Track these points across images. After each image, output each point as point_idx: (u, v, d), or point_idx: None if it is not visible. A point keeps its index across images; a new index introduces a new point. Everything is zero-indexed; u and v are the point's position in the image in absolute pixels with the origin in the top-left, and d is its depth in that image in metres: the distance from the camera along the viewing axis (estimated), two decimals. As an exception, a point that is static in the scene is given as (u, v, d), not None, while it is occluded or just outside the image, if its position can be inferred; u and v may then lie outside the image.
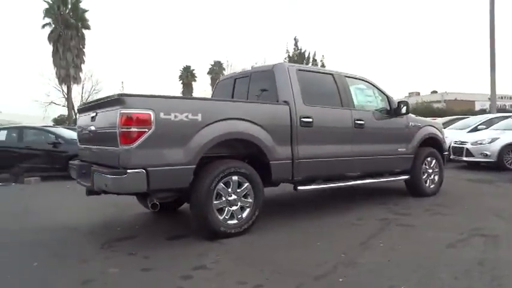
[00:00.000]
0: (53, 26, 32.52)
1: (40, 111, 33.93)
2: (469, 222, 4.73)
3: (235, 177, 4.31)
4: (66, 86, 33.12)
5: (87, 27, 33.97)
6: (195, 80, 53.23)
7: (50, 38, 32.46)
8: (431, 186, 6.57)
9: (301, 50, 32.21)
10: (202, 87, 45.10)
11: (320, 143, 5.06)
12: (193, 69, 53.07)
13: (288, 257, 3.61)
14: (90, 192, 4.50)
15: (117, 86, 45.91)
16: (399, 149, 6.04)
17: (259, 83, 5.28)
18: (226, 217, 4.26)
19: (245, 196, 4.42)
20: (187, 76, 52.74)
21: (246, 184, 4.40)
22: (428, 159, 6.52)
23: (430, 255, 3.56)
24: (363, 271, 3.23)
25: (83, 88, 34.65)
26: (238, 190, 4.34)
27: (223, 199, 4.25)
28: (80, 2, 33.54)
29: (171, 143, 3.92)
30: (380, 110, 5.97)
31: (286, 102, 4.83)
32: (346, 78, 5.66)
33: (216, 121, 4.17)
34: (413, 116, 6.61)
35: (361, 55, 76.99)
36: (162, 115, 3.86)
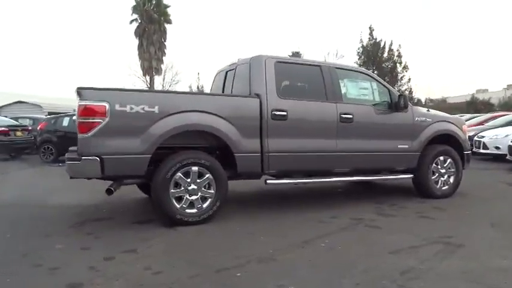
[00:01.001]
0: (139, 21, 35.13)
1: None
2: (448, 228, 4.30)
3: (195, 168, 4.44)
4: (149, 77, 35.62)
5: (169, 22, 36.08)
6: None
7: (136, 32, 35.11)
8: (444, 188, 6.00)
9: (376, 39, 30.85)
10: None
11: (296, 137, 4.94)
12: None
13: (216, 248, 3.66)
14: None
15: (195, 77, 47.93)
16: (400, 146, 5.62)
17: (241, 76, 5.30)
18: (184, 206, 4.41)
19: (207, 187, 4.53)
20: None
21: (208, 175, 4.50)
22: (441, 158, 5.96)
23: (361, 259, 3.34)
24: (267, 269, 3.17)
25: (163, 79, 36.96)
26: (198, 180, 4.46)
27: (182, 188, 4.41)
28: (163, -2, 35.70)
29: (126, 133, 4.17)
30: (378, 103, 5.61)
31: (257, 95, 4.81)
32: (338, 70, 5.42)
33: (173, 113, 4.33)
34: (422, 110, 6.08)
35: (436, 46, 70.67)
36: (117, 107, 4.13)
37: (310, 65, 5.35)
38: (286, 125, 4.86)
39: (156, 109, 4.26)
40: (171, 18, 36.14)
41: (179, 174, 4.38)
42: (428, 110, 6.12)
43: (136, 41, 35.37)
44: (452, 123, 6.18)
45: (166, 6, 35.81)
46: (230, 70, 5.66)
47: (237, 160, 4.64)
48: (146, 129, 4.22)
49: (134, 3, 35.17)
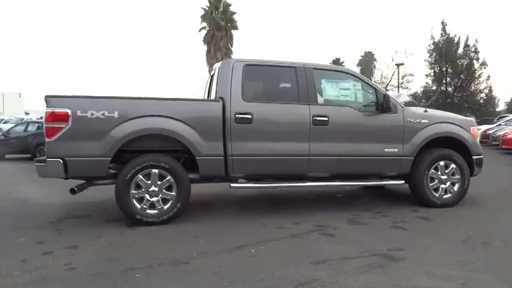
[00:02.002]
0: (207, 29, 36.63)
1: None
2: (407, 241, 3.94)
3: (155, 170, 4.59)
4: (216, 82, 36.87)
5: (235, 28, 37.11)
6: (344, 72, 52.35)
7: (204, 39, 36.64)
8: (446, 196, 5.45)
9: (449, 34, 28.73)
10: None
11: (262, 140, 4.86)
12: (343, 62, 52.19)
13: (144, 249, 3.77)
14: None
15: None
16: (387, 150, 5.22)
17: (216, 79, 5.35)
18: (145, 206, 4.58)
19: (168, 189, 4.66)
20: (337, 69, 52.24)
21: (168, 177, 4.62)
22: (441, 163, 5.42)
23: (271, 268, 3.21)
24: (168, 272, 3.19)
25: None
26: (159, 182, 4.61)
27: (143, 190, 4.58)
28: (230, 5, 36.85)
29: (88, 137, 4.46)
30: (361, 104, 5.29)
31: (221, 99, 4.83)
32: (316, 70, 5.21)
33: (132, 118, 4.53)
34: (417, 111, 5.58)
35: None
36: (79, 113, 4.43)
37: (284, 66, 5.21)
38: (251, 129, 4.81)
39: (115, 114, 4.50)
40: (237, 24, 37.18)
41: (140, 176, 4.56)
42: (425, 111, 5.60)
43: (204, 48, 37.00)
44: (456, 124, 5.58)
45: (233, 13, 36.89)
46: (213, 74, 5.74)
47: (199, 163, 4.70)
48: (106, 133, 4.47)
49: (203, 12, 36.79)
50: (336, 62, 52.89)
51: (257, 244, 3.85)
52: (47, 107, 4.43)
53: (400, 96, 38.95)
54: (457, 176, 5.48)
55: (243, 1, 44.83)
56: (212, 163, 4.75)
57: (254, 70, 5.05)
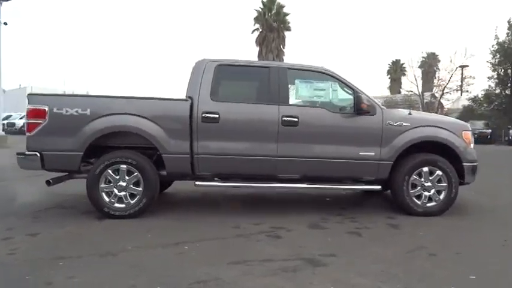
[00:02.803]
0: (260, 30, 37.02)
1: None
2: (347, 247, 3.80)
3: (123, 166, 4.81)
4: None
5: (288, 29, 37.17)
6: (404, 74, 50.18)
7: (257, 41, 37.12)
8: (429, 205, 5.11)
9: (515, 33, 26.49)
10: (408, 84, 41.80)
11: (229, 140, 4.90)
12: (403, 63, 50.08)
13: (85, 240, 3.99)
14: None
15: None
16: (362, 153, 5.01)
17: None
18: (113, 200, 4.82)
19: (136, 184, 4.86)
20: (396, 71, 50.29)
21: (136, 173, 4.83)
22: (425, 169, 5.09)
23: (183, 266, 3.27)
24: (89, 263, 3.35)
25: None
26: (127, 177, 4.83)
27: (112, 184, 4.83)
28: (283, 7, 36.95)
29: (62, 133, 4.78)
30: (336, 106, 5.13)
31: (190, 98, 4.94)
32: (290, 70, 5.14)
33: (103, 115, 4.79)
34: (399, 113, 5.27)
35: None
36: (55, 110, 4.78)
37: (257, 66, 5.21)
38: (218, 128, 4.87)
39: (88, 111, 4.79)
40: (290, 25, 37.16)
41: (109, 171, 4.81)
42: (410, 113, 5.29)
43: (256, 49, 37.44)
44: (444, 128, 5.21)
45: (286, 14, 36.97)
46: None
47: (165, 160, 4.86)
48: (79, 129, 4.76)
49: (256, 14, 37.25)
50: (396, 63, 50.92)
51: (196, 242, 3.91)
52: (28, 104, 4.83)
53: (458, 100, 36.59)
54: (444, 184, 5.12)
55: (298, 2, 44.59)
56: (178, 161, 4.87)
57: (226, 70, 5.10)
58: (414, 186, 5.12)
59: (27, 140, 4.85)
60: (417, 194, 5.11)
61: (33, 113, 4.81)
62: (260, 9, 37.18)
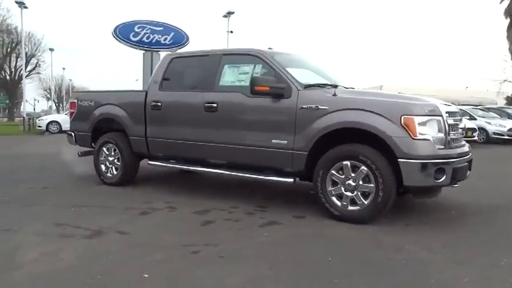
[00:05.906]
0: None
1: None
2: (233, 243, 3.72)
3: (110, 145, 6.13)
4: (518, 60, 30.08)
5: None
6: None
7: (506, 12, 30.36)
8: (350, 208, 4.11)
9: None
10: None
11: (167, 125, 5.44)
12: None
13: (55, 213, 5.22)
14: None
15: None
16: (274, 141, 4.50)
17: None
18: (106, 171, 6.21)
19: (118, 160, 6.09)
20: None
21: (117, 150, 6.06)
22: (346, 163, 4.11)
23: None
24: (29, 236, 4.55)
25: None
26: (113, 153, 6.12)
27: (104, 158, 6.21)
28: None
29: (82, 119, 6.52)
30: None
31: (146, 89, 5.74)
32: (224, 56, 5.12)
33: (99, 105, 6.24)
34: (319, 94, 4.30)
35: None
36: (79, 102, 6.58)
37: (202, 56, 5.37)
38: (160, 114, 5.48)
39: (93, 103, 6.34)
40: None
41: (103, 148, 6.20)
42: (334, 94, 4.24)
43: (506, 22, 30.54)
44: (373, 112, 3.97)
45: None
46: None
47: (131, 142, 5.85)
48: (89, 116, 6.37)
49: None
50: None
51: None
52: (70, 98, 6.81)
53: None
54: (371, 185, 4.00)
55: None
56: (138, 142, 5.77)
57: (179, 62, 5.59)
58: (335, 183, 4.23)
59: (70, 124, 6.84)
60: (338, 193, 4.20)
61: (70, 105, 6.77)
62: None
